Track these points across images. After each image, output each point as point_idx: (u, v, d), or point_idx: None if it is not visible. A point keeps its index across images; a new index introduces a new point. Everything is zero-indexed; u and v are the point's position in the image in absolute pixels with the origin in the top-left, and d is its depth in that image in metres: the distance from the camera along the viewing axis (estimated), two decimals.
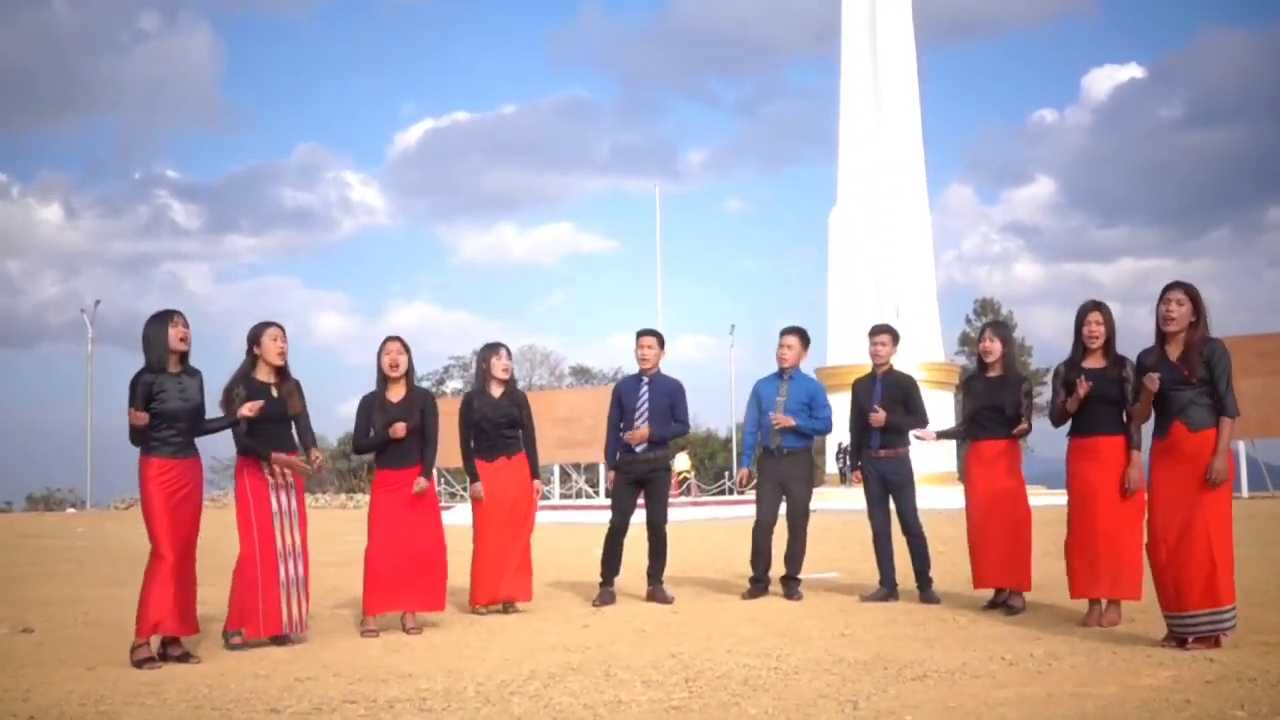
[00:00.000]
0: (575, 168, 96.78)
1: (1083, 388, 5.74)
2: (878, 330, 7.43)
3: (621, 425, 7.32)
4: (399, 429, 6.16)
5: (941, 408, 28.07)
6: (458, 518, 8.28)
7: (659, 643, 5.58)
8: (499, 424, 6.97)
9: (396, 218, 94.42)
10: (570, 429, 29.62)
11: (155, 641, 5.28)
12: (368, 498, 6.77)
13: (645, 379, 7.41)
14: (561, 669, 4.83)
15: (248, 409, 5.56)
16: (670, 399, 7.38)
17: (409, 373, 6.39)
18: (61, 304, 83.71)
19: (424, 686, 4.49)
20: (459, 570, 7.19)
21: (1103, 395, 5.77)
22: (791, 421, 7.25)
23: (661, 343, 7.49)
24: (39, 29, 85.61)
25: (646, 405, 7.29)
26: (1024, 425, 6.59)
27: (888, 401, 7.16)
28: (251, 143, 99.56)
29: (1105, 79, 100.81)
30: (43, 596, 8.48)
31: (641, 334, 7.47)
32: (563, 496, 33.43)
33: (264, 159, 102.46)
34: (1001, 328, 7.01)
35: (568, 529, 16.42)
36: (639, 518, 7.39)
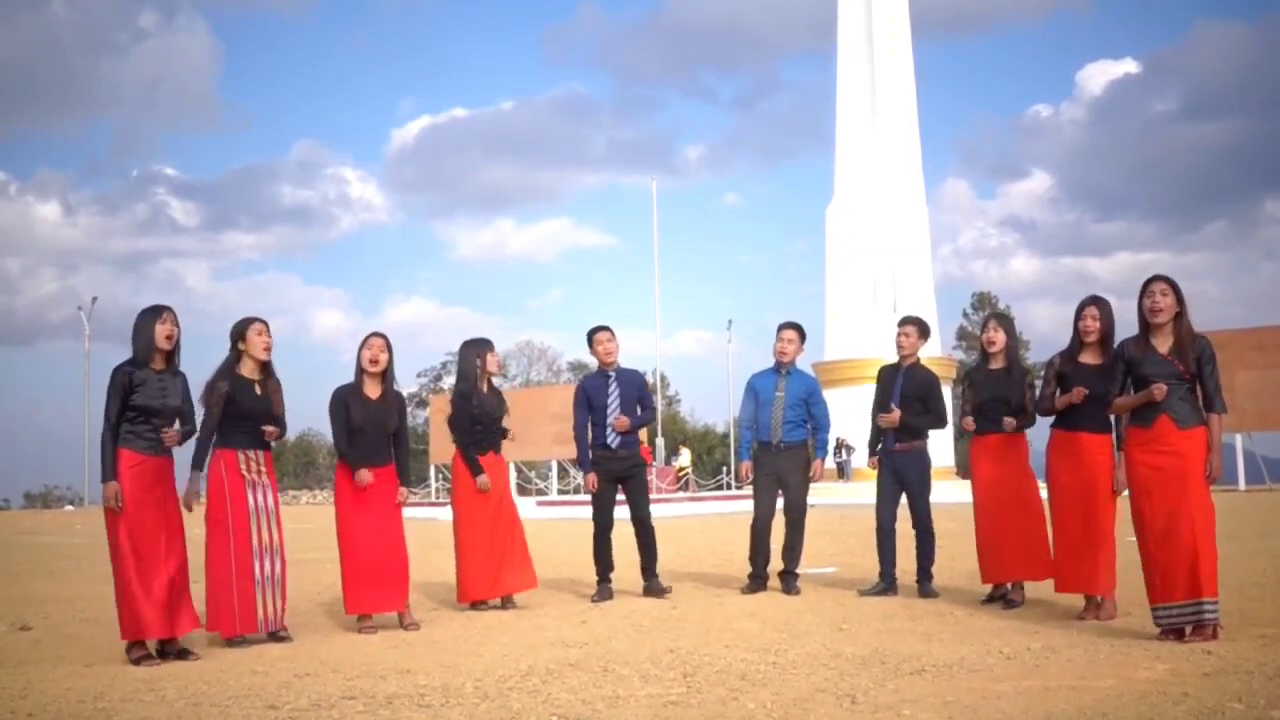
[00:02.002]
0: (572, 163, 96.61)
1: (1077, 396, 5.79)
2: (905, 321, 7.33)
3: (593, 421, 7.37)
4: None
5: None
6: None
7: (657, 638, 5.58)
8: (496, 419, 7.06)
9: (395, 214, 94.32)
10: (568, 424, 29.59)
11: (152, 640, 5.27)
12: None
13: (611, 374, 7.45)
14: (559, 665, 4.84)
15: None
16: (638, 390, 7.51)
17: (387, 371, 6.37)
18: (60, 301, 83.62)
19: (422, 683, 4.49)
20: (449, 568, 7.18)
21: (1093, 391, 5.79)
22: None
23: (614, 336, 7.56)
24: (38, 28, 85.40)
25: (618, 400, 7.36)
26: (1022, 419, 6.51)
27: (907, 397, 7.09)
28: (250, 140, 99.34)
29: (1100, 74, 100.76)
30: (41, 594, 8.48)
31: (600, 330, 7.49)
32: (560, 492, 33.41)
33: (262, 157, 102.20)
34: (1005, 319, 6.98)
35: (565, 525, 16.41)
36: (623, 514, 7.40)
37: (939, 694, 4.02)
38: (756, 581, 7.37)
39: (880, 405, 7.20)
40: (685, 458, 36.53)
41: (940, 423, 7.26)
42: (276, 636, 5.74)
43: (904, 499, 7.22)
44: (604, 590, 7.31)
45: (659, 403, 48.50)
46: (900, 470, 7.14)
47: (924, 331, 7.33)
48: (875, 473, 7.27)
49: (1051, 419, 6.13)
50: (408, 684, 4.47)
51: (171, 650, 5.29)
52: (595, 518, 7.40)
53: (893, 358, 7.53)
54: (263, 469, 5.82)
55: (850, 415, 21.04)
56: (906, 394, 7.11)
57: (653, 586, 7.35)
